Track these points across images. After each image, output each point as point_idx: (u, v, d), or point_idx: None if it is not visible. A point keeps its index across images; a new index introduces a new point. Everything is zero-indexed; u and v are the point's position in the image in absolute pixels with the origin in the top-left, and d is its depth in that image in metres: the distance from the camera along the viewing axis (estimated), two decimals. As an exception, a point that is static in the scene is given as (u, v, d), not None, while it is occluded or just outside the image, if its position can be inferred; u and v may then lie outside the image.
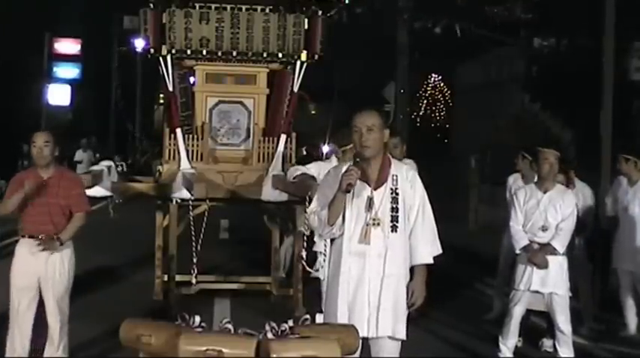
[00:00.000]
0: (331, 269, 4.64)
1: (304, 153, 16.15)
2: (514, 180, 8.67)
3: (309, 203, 6.51)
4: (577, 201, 7.23)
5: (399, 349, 4.62)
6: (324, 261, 5.62)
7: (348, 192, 4.41)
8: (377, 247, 4.50)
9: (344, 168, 4.54)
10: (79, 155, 22.73)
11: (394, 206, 4.53)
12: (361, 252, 4.51)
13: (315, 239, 6.90)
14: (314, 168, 7.45)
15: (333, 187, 4.52)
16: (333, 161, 7.19)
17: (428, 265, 4.70)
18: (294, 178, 7.47)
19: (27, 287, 5.97)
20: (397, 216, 4.53)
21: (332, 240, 4.66)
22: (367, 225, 4.50)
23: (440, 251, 4.77)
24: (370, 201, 4.50)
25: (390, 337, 4.55)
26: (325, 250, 5.55)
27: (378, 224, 4.50)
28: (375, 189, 4.54)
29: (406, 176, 4.63)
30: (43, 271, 5.96)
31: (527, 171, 8.55)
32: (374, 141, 4.50)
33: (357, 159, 4.47)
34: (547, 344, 7.39)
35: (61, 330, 6.08)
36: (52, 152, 5.97)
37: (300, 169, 7.56)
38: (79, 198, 6.08)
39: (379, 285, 4.50)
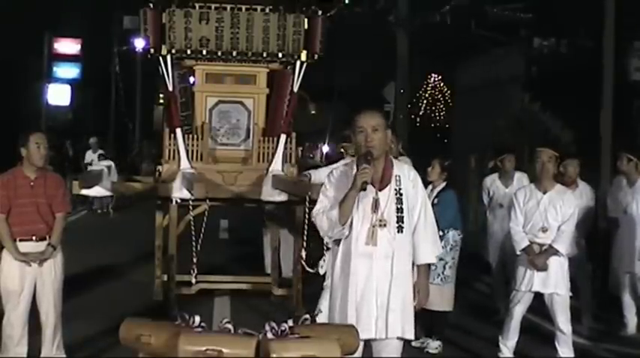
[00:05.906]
0: (338, 271, 4.60)
1: (300, 155, 15.87)
2: (491, 182, 8.65)
3: (309, 203, 6.53)
4: (579, 202, 7.23)
5: (401, 349, 4.62)
6: (324, 260, 5.63)
7: (364, 190, 4.38)
8: (384, 248, 4.48)
9: (349, 169, 4.54)
10: (89, 156, 19.80)
11: (399, 206, 4.52)
12: (368, 254, 4.48)
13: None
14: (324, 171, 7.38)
15: (340, 187, 4.50)
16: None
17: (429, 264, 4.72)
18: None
19: (23, 291, 5.96)
20: (402, 217, 4.52)
21: (336, 242, 4.61)
22: (374, 226, 4.47)
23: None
24: (376, 202, 4.48)
25: (399, 338, 4.53)
26: (325, 251, 5.54)
27: (385, 225, 4.48)
28: (380, 190, 4.51)
29: (408, 176, 4.61)
30: (39, 272, 6.00)
31: (506, 172, 8.58)
32: (379, 141, 4.48)
33: (369, 158, 4.42)
34: (432, 345, 7.26)
35: (56, 329, 6.12)
36: (48, 152, 6.12)
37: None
38: (62, 198, 6.16)
39: (387, 286, 4.48)
